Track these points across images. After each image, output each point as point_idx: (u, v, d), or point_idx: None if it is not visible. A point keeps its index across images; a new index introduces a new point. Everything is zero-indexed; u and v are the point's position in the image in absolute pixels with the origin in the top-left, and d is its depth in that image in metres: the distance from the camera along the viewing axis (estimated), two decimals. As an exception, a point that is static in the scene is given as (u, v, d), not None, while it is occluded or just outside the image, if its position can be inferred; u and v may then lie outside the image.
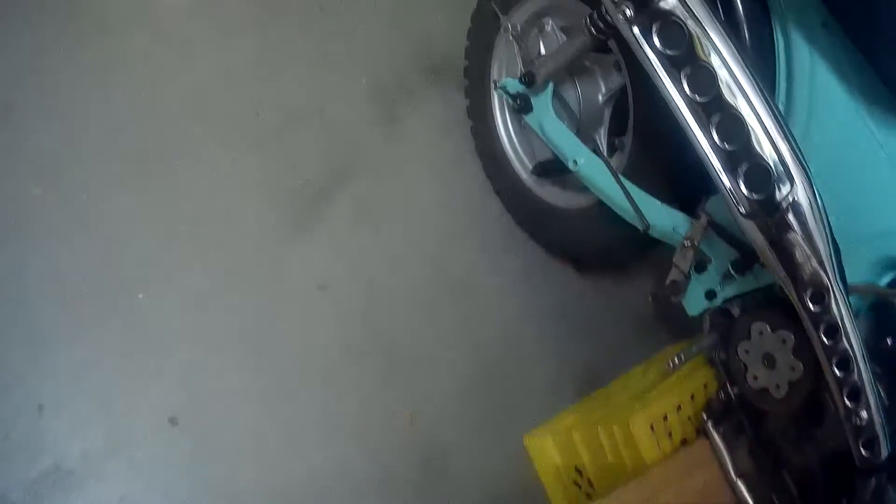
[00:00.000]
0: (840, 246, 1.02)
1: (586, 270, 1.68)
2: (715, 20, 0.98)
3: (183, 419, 1.38)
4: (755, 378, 1.20)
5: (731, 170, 0.98)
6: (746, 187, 0.98)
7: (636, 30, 1.00)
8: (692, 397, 1.36)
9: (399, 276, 1.58)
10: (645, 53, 0.99)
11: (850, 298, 1.03)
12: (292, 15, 1.73)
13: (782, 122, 0.97)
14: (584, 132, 1.41)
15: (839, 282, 1.00)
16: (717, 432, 1.32)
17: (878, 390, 1.05)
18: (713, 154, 0.98)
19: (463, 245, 1.64)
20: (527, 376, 1.58)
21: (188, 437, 1.37)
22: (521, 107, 1.39)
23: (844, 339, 1.02)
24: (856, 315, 1.04)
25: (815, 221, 0.98)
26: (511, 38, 1.45)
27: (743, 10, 1.11)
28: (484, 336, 1.59)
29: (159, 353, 1.40)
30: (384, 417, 1.48)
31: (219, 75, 1.61)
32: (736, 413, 1.32)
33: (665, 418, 1.35)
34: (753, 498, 1.30)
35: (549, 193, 1.53)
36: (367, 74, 1.72)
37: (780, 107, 1.11)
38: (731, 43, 0.98)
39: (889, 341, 1.09)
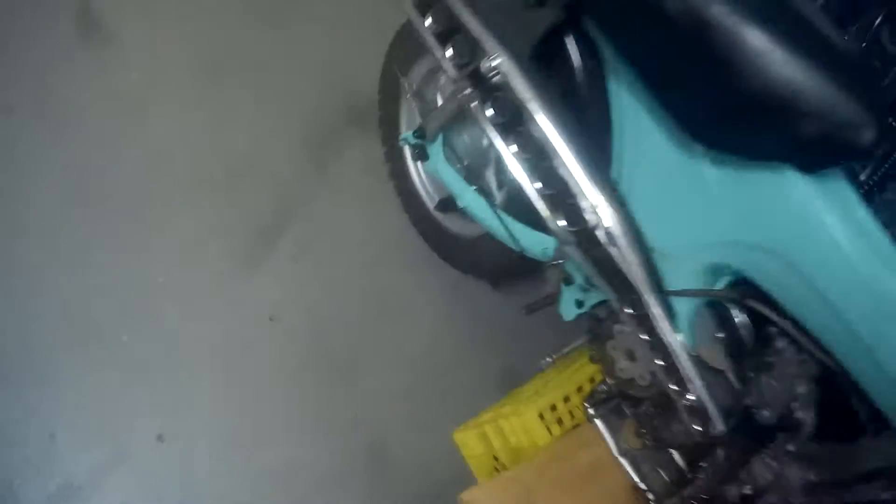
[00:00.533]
0: (675, 258, 1.26)
1: (499, 285, 1.93)
2: (534, 92, 1.23)
3: (168, 435, 1.67)
4: (622, 370, 1.45)
5: (554, 208, 1.23)
6: (566, 221, 1.23)
7: (475, 104, 1.26)
8: (579, 389, 1.61)
9: (337, 300, 1.87)
10: (481, 121, 1.25)
11: (685, 300, 1.25)
12: (231, 77, 1.99)
13: (591, 170, 1.22)
14: (475, 172, 1.66)
15: (652, 289, 1.24)
16: (599, 416, 1.56)
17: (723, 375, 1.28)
18: (538, 198, 1.24)
19: (390, 270, 1.93)
20: (454, 380, 1.84)
21: (173, 449, 1.66)
22: (418, 155, 1.64)
23: (660, 334, 1.27)
24: (696, 314, 1.27)
25: (627, 243, 1.22)
26: (409, 96, 1.71)
27: (581, 74, 1.33)
28: (415, 347, 1.87)
29: (144, 383, 1.68)
30: (335, 421, 1.75)
31: (173, 136, 1.89)
32: (615, 399, 1.56)
33: (553, 408, 1.60)
34: (638, 473, 1.50)
35: (453, 224, 1.81)
36: (300, 126, 2.00)
37: (616, 146, 1.33)
38: (548, 109, 1.23)
39: (721, 335, 1.27)
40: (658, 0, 1.02)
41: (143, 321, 1.72)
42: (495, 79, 1.27)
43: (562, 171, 1.23)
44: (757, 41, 0.97)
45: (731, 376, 1.34)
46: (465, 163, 1.66)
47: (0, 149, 1.79)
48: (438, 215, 1.83)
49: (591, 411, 1.55)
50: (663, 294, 1.27)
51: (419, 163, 1.76)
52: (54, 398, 1.63)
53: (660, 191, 1.27)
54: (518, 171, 1.27)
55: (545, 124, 1.23)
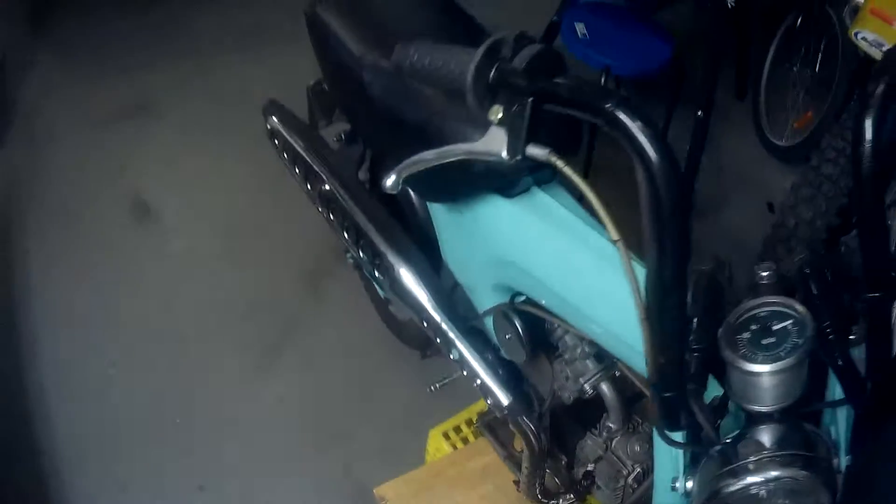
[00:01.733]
0: (475, 288, 1.71)
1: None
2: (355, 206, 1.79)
3: (208, 488, 2.22)
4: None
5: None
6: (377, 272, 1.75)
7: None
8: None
9: (331, 383, 2.43)
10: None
11: (488, 318, 1.68)
12: (246, 235, 2.83)
13: (395, 249, 1.73)
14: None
15: (445, 317, 1.69)
16: (486, 428, 1.90)
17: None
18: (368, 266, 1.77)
19: (370, 357, 2.49)
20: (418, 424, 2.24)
21: (212, 497, 2.20)
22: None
23: (453, 343, 1.69)
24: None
25: (416, 286, 1.69)
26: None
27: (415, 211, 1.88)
28: (390, 410, 2.36)
29: (191, 451, 2.27)
30: (330, 471, 2.24)
31: (206, 282, 2.68)
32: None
33: (458, 430, 2.03)
34: (527, 472, 1.72)
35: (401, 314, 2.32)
36: (298, 265, 2.73)
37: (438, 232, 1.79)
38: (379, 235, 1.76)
39: (508, 335, 1.58)
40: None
41: (189, 407, 2.36)
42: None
43: (375, 242, 1.77)
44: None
45: (527, 366, 1.74)
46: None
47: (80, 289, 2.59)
48: (393, 308, 2.37)
49: (479, 425, 1.94)
50: (459, 321, 1.72)
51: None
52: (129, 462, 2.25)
53: (456, 244, 1.72)
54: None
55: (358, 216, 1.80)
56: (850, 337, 1.07)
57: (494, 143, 1.01)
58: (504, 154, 1.01)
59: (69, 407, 2.37)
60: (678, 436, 1.10)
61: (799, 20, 2.95)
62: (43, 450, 2.28)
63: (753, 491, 1.02)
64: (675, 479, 1.13)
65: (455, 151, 1.09)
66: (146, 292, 2.68)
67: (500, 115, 1.00)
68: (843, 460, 1.10)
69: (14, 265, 2.75)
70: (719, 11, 2.56)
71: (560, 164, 0.96)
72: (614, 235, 0.92)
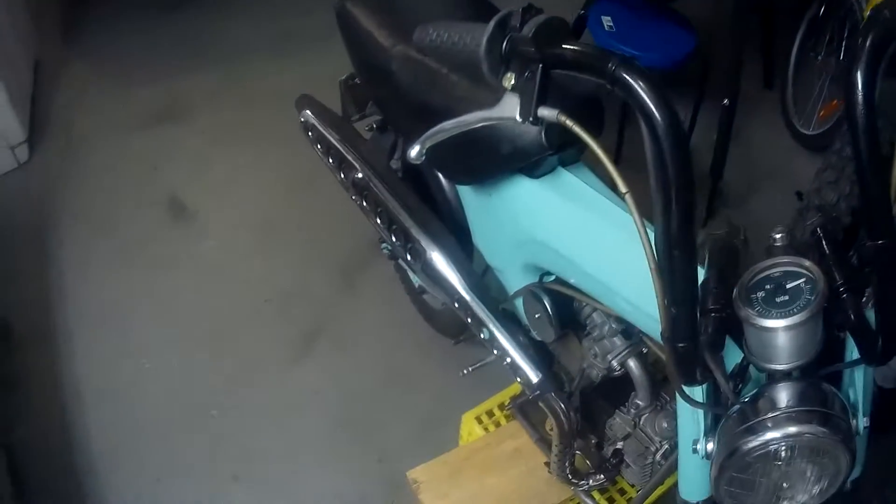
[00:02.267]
0: (505, 270, 1.74)
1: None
2: (387, 191, 1.84)
3: (242, 478, 2.27)
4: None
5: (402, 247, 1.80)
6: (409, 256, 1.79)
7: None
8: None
9: (366, 372, 2.48)
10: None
11: (518, 300, 1.71)
12: (281, 233, 2.88)
13: (427, 233, 1.77)
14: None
15: (475, 297, 1.72)
16: (518, 411, 1.93)
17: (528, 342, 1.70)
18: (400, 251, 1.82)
19: (403, 346, 2.53)
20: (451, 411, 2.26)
21: (247, 488, 2.25)
22: (393, 256, 2.24)
23: (486, 325, 1.73)
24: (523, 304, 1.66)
25: (449, 270, 1.73)
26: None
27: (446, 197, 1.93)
28: (423, 397, 2.40)
29: (227, 441, 2.33)
30: (363, 460, 2.29)
31: (241, 278, 2.75)
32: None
33: (490, 413, 2.06)
34: (558, 452, 1.74)
35: (433, 302, 2.37)
36: (336, 259, 2.77)
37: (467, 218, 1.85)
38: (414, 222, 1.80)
39: (538, 315, 1.64)
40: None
41: (225, 399, 2.42)
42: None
43: (413, 232, 1.81)
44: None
45: (557, 346, 1.78)
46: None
47: (115, 289, 2.71)
48: (426, 297, 2.42)
49: (513, 409, 1.96)
50: (490, 302, 1.76)
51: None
52: (163, 454, 2.30)
53: (486, 227, 1.78)
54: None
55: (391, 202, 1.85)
56: (864, 299, 1.09)
57: (508, 108, 1.07)
58: (517, 116, 1.06)
59: (104, 402, 2.44)
60: (698, 395, 1.12)
61: (822, 8, 2.95)
62: (79, 446, 2.34)
63: (773, 447, 1.04)
64: (695, 442, 1.16)
65: (473, 119, 1.15)
66: (181, 288, 2.75)
67: (512, 82, 1.06)
68: (860, 422, 1.12)
69: (50, 265, 2.84)
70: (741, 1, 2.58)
71: (569, 122, 1.01)
72: (623, 188, 0.96)
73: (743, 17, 2.63)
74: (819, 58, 3.07)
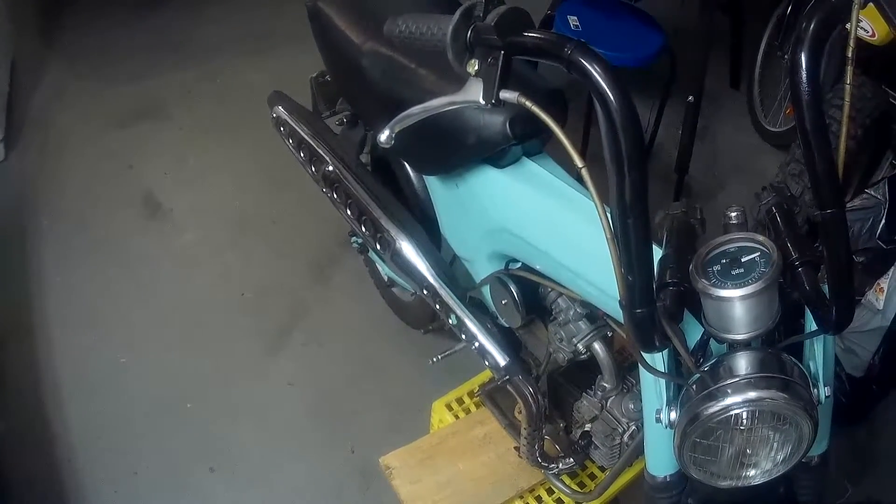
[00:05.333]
0: (473, 259, 1.79)
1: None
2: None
3: (219, 469, 2.28)
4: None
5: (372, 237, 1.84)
6: (379, 246, 1.83)
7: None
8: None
9: (339, 364, 2.51)
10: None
11: (485, 287, 1.76)
12: (255, 227, 2.92)
13: (395, 223, 1.82)
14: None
15: (444, 284, 1.77)
16: (487, 398, 1.96)
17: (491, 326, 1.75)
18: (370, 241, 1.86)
19: (374, 338, 2.58)
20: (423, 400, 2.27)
21: (224, 480, 2.26)
22: (362, 250, 2.29)
23: (453, 310, 1.78)
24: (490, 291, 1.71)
25: (417, 258, 1.78)
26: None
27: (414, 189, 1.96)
28: (394, 387, 2.44)
29: (202, 433, 2.34)
30: (335, 450, 2.31)
31: (217, 271, 2.76)
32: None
33: (461, 401, 2.09)
34: (527, 436, 1.76)
35: (402, 295, 2.44)
36: (306, 254, 2.81)
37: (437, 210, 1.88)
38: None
39: (505, 301, 1.67)
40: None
41: (200, 392, 2.44)
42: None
43: (383, 223, 1.86)
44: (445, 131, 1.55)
45: (524, 332, 1.81)
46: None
47: (92, 285, 2.72)
48: (395, 290, 2.45)
49: (482, 395, 2.00)
50: (458, 290, 1.80)
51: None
52: (140, 447, 2.31)
53: (453, 216, 1.82)
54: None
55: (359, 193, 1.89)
56: (819, 273, 1.14)
57: (472, 93, 1.12)
58: (481, 100, 1.10)
59: (82, 397, 2.43)
60: (659, 363, 1.16)
61: (790, 7, 3.01)
62: (57, 439, 2.34)
63: (733, 412, 1.08)
64: (658, 411, 1.19)
65: (439, 103, 1.19)
66: (157, 284, 2.76)
67: (476, 68, 1.11)
68: (822, 391, 1.16)
69: (29, 263, 2.84)
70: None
71: (528, 103, 1.05)
72: (579, 163, 1.00)
73: (710, 17, 2.69)
74: (786, 56, 3.12)
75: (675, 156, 2.78)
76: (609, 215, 1.00)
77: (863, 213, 2.46)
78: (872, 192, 2.45)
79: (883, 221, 2.42)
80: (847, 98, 1.07)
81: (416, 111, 1.22)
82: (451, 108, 1.17)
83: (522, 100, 1.05)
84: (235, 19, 4.00)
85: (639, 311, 1.04)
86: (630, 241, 0.99)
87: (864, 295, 2.21)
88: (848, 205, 2.41)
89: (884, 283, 2.15)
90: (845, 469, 2.14)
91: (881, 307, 2.15)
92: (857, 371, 2.29)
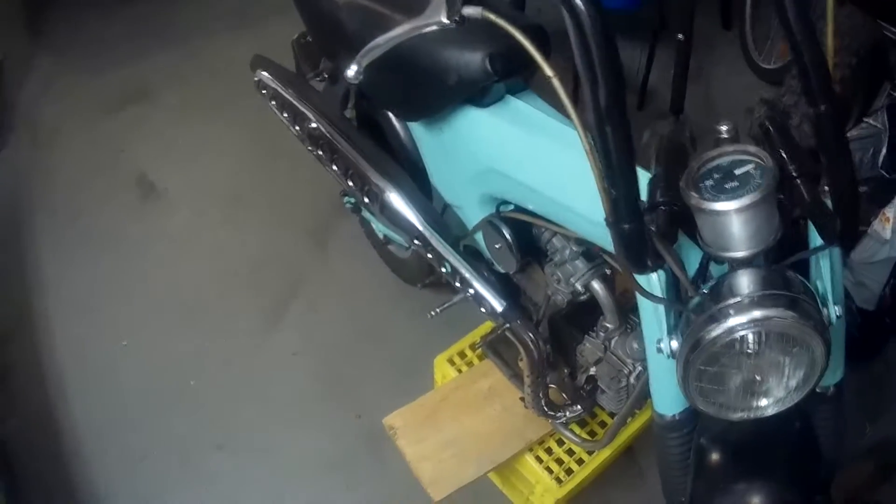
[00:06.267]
0: (464, 205, 1.74)
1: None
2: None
3: (226, 447, 2.26)
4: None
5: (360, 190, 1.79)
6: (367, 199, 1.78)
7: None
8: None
9: (340, 329, 2.48)
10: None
11: (478, 234, 1.72)
12: (249, 200, 2.90)
13: (382, 174, 1.77)
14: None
15: (433, 231, 1.72)
16: (490, 349, 1.94)
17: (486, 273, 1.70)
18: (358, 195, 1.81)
19: (374, 299, 2.55)
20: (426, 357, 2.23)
21: (231, 457, 2.23)
22: (356, 210, 2.25)
23: (446, 258, 1.73)
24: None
25: (404, 207, 1.73)
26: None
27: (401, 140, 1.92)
28: (396, 347, 2.41)
29: (207, 409, 2.32)
30: (342, 417, 2.28)
31: (212, 249, 2.73)
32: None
33: (462, 354, 2.05)
34: (530, 384, 1.73)
35: (398, 252, 2.40)
36: (301, 222, 2.75)
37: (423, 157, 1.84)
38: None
39: (498, 245, 1.64)
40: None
41: (203, 369, 2.41)
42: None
43: (369, 175, 1.81)
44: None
45: (521, 278, 1.77)
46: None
47: (90, 274, 2.69)
48: (392, 248, 2.41)
49: (483, 346, 1.96)
50: (451, 239, 1.76)
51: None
52: (147, 432, 2.28)
53: (441, 163, 1.78)
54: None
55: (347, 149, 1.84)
56: (820, 186, 1.08)
57: (434, 13, 1.09)
58: (443, 18, 1.07)
59: (86, 385, 2.41)
60: (657, 290, 1.11)
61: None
62: (63, 429, 2.32)
63: (738, 335, 1.01)
64: (659, 341, 1.14)
65: (403, 29, 1.16)
66: (154, 265, 2.73)
67: None
68: (832, 311, 1.10)
69: (26, 255, 2.82)
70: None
71: (492, 16, 1.01)
72: (549, 72, 0.94)
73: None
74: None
75: (669, 98, 2.71)
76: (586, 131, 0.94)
77: (863, 143, 2.40)
78: (872, 121, 2.40)
79: (884, 150, 2.37)
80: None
81: (382, 41, 1.18)
82: (416, 32, 1.13)
83: (487, 13, 1.00)
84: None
85: (626, 226, 0.99)
86: (610, 151, 0.94)
87: (870, 225, 2.16)
88: (848, 134, 2.37)
89: (889, 212, 2.09)
90: (862, 407, 2.09)
91: (888, 237, 2.10)
92: (868, 304, 2.24)
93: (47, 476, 2.20)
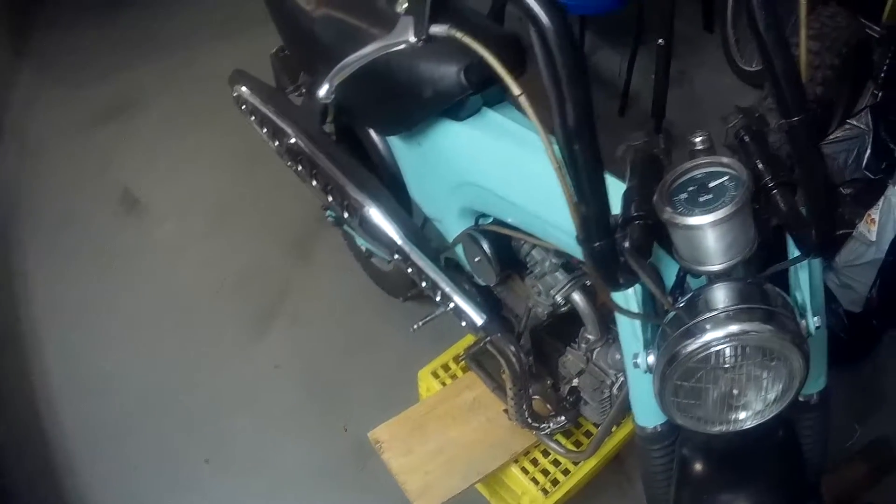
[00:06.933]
0: (443, 219, 1.72)
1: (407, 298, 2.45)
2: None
3: (213, 460, 2.24)
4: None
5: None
6: (347, 214, 1.77)
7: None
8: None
9: (324, 341, 2.47)
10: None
11: (458, 247, 1.70)
12: (233, 213, 2.88)
13: (361, 189, 1.75)
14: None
15: (412, 244, 1.71)
16: (473, 362, 1.92)
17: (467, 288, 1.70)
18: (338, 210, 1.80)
19: (358, 312, 2.53)
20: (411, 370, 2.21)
21: (219, 470, 2.22)
22: (337, 223, 2.23)
23: (426, 272, 1.72)
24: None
25: (383, 221, 1.71)
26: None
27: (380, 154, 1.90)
28: (381, 359, 2.40)
29: (192, 423, 2.30)
30: (328, 428, 2.27)
31: (198, 260, 2.72)
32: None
33: (447, 368, 2.04)
34: (513, 396, 1.72)
35: (380, 265, 2.38)
36: (285, 233, 2.74)
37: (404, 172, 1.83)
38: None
39: (478, 258, 1.63)
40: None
41: (191, 383, 2.40)
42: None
43: (349, 192, 1.79)
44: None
45: (502, 290, 1.76)
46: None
47: (77, 286, 2.67)
48: (375, 260, 2.40)
49: (467, 359, 1.93)
50: (430, 252, 1.75)
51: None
52: (136, 443, 2.27)
53: (420, 177, 1.77)
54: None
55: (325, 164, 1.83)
56: (796, 196, 1.07)
57: (402, 33, 1.08)
58: (411, 38, 1.06)
59: (74, 397, 2.40)
60: (633, 302, 1.10)
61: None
62: (53, 441, 2.31)
63: (714, 349, 1.00)
64: (636, 356, 1.13)
65: (372, 48, 1.16)
66: (140, 277, 2.73)
67: (405, 5, 1.08)
68: (811, 322, 1.09)
69: (14, 268, 2.82)
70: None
71: (458, 35, 1.00)
72: (516, 91, 0.93)
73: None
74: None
75: (651, 102, 2.70)
76: (555, 145, 0.93)
77: (848, 144, 2.40)
78: (856, 122, 2.39)
79: (868, 151, 2.36)
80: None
81: (351, 60, 1.17)
82: (384, 51, 1.13)
83: (453, 31, 0.99)
84: (198, 9, 3.99)
85: (596, 244, 0.98)
86: (579, 168, 0.92)
87: (855, 227, 2.15)
88: (832, 136, 2.37)
89: (874, 213, 2.09)
90: (852, 409, 2.08)
91: (874, 238, 2.09)
92: (855, 306, 2.24)
93: (37, 486, 2.21)
